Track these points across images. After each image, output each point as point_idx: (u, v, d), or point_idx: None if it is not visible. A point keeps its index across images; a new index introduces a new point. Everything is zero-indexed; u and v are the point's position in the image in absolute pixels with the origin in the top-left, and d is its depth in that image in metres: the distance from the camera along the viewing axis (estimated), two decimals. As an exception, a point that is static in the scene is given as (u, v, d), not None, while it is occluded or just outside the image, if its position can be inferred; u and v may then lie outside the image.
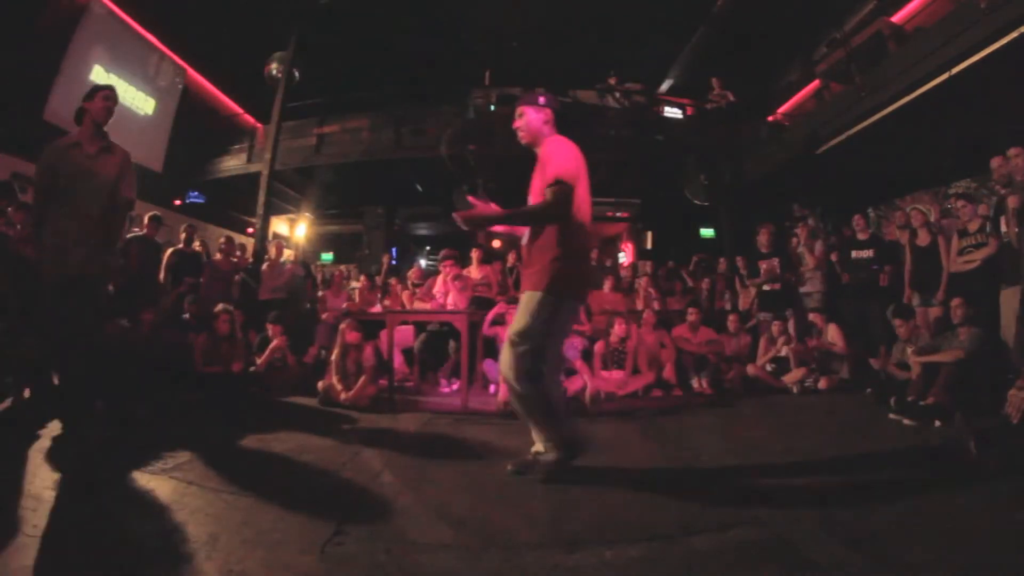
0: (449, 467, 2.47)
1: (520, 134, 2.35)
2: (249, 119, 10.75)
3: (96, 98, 2.79)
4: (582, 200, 2.24)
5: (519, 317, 2.17)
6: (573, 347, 4.24)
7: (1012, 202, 3.77)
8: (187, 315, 5.07)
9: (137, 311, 4.34)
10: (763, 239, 5.66)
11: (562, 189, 2.14)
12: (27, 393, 3.34)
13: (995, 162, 4.25)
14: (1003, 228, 3.92)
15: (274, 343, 4.56)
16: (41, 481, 2.08)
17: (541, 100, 2.34)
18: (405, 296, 5.84)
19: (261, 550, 1.54)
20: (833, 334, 4.80)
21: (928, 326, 4.40)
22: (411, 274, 6.81)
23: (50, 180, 2.69)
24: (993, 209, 4.28)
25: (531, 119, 2.31)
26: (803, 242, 5.63)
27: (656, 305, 5.77)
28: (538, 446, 2.35)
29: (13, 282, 3.47)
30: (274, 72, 7.20)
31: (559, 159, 2.18)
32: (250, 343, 4.75)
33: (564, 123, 2.36)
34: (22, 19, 6.86)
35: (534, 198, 2.28)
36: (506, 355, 2.17)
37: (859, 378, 4.56)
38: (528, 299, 2.16)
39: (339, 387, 3.97)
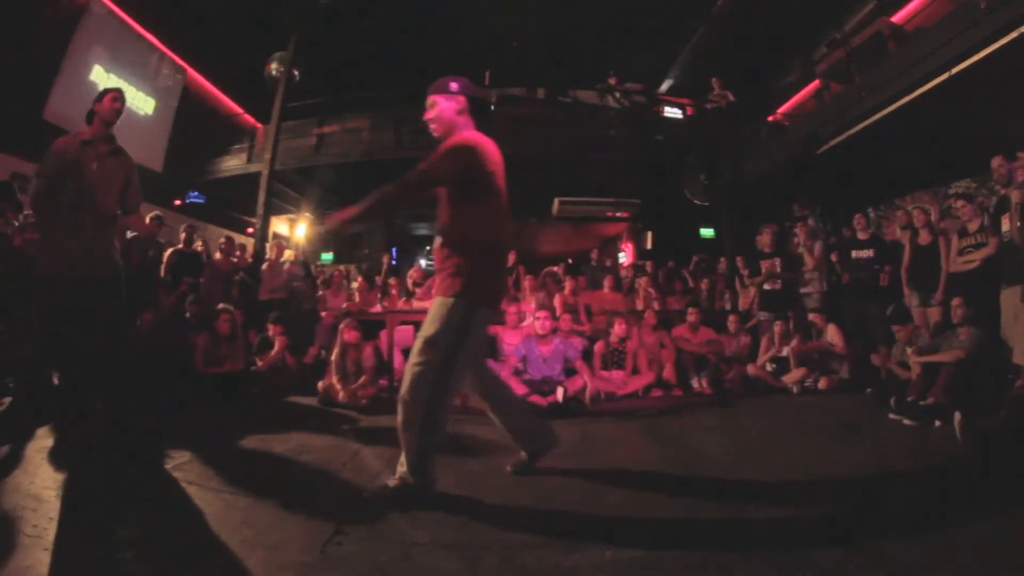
0: (449, 467, 2.46)
1: (432, 127, 2.10)
2: (249, 119, 10.75)
3: (105, 99, 2.84)
4: (494, 195, 2.02)
5: (427, 324, 1.95)
6: (573, 347, 4.24)
7: (1016, 196, 3.75)
8: (187, 315, 5.06)
9: (137, 311, 4.34)
10: (765, 239, 5.65)
11: (447, 154, 1.94)
12: (27, 392, 3.34)
13: (995, 162, 4.25)
14: (1005, 227, 3.92)
15: (278, 346, 4.57)
16: (41, 481, 2.08)
17: (453, 86, 2.09)
18: (400, 303, 5.79)
19: (261, 550, 1.54)
20: (832, 334, 4.80)
21: (928, 326, 4.40)
22: (412, 274, 6.79)
23: (55, 173, 2.68)
24: (994, 207, 4.28)
25: (443, 109, 2.07)
26: (803, 242, 5.63)
27: (656, 305, 5.77)
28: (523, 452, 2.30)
29: (13, 282, 3.47)
30: (274, 72, 7.21)
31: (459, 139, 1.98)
32: (250, 343, 4.75)
33: (484, 114, 2.15)
34: (22, 19, 6.86)
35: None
36: (410, 360, 1.94)
37: (859, 378, 4.56)
38: (439, 305, 1.96)
39: (339, 387, 3.98)
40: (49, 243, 2.70)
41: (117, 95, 2.88)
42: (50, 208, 2.69)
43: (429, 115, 2.11)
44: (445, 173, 1.98)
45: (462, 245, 1.99)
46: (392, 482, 1.96)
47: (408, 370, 1.93)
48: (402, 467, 1.95)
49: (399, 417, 1.94)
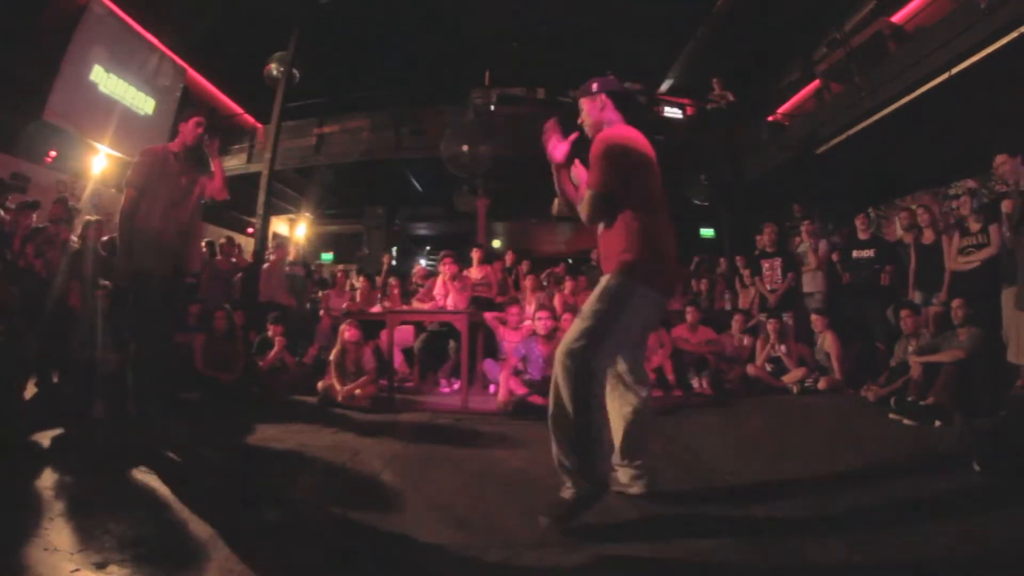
0: (449, 467, 2.47)
1: (586, 130, 2.16)
2: (249, 119, 10.77)
3: (190, 122, 3.09)
4: (646, 187, 2.03)
5: (587, 304, 1.94)
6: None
7: (1006, 207, 3.75)
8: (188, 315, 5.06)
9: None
10: (766, 239, 5.65)
11: (601, 161, 1.96)
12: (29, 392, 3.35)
13: (998, 160, 4.25)
14: (1003, 227, 3.92)
15: (277, 346, 4.57)
16: (41, 481, 2.08)
17: (593, 87, 2.16)
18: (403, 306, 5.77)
19: (261, 550, 1.54)
20: (830, 344, 4.75)
21: (929, 324, 4.39)
22: (416, 273, 6.79)
23: (145, 180, 2.88)
24: (989, 207, 4.30)
25: (588, 111, 2.15)
26: (806, 240, 5.62)
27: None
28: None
29: (15, 283, 3.48)
30: (274, 72, 7.20)
31: None
32: (250, 343, 4.75)
33: (629, 104, 2.19)
34: (22, 19, 6.86)
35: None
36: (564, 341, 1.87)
37: (856, 381, 4.54)
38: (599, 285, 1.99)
39: (339, 387, 3.97)
40: (128, 249, 2.84)
41: (201, 120, 3.10)
42: (131, 218, 2.85)
43: (581, 119, 2.17)
44: (610, 183, 1.93)
45: (626, 235, 1.90)
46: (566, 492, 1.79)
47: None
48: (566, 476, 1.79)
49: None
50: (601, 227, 2.04)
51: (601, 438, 1.84)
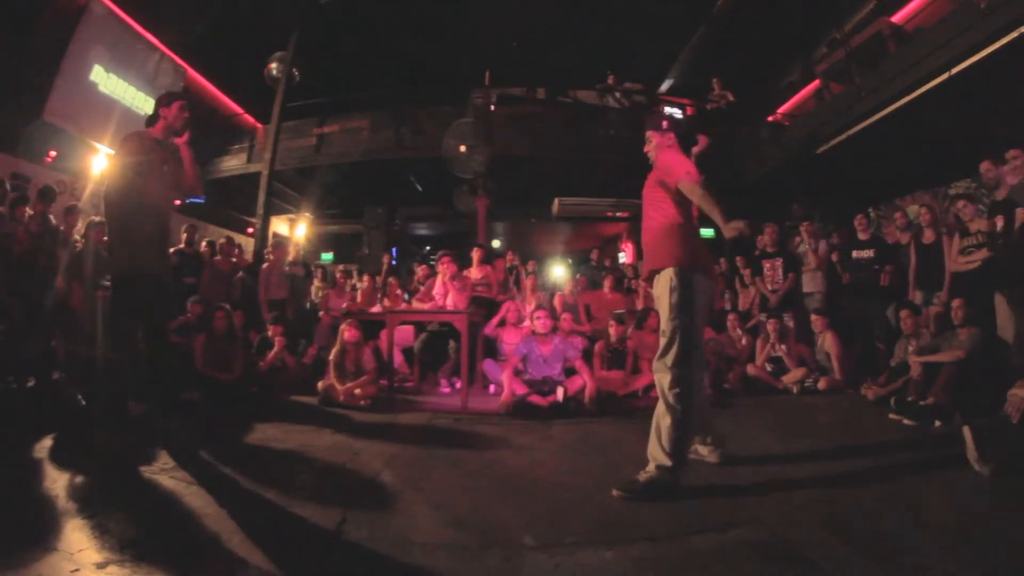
0: (449, 467, 2.47)
1: (650, 156, 2.63)
2: (249, 119, 10.76)
3: (173, 106, 2.81)
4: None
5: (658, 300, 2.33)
6: (573, 347, 4.24)
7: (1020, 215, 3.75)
8: (188, 315, 5.06)
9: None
10: (767, 239, 5.65)
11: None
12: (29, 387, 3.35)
13: (984, 166, 4.26)
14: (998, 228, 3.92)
15: (277, 346, 4.57)
16: (41, 481, 2.08)
17: (664, 124, 2.55)
18: (403, 305, 5.76)
19: (262, 550, 1.54)
20: (830, 344, 4.76)
21: (929, 324, 4.39)
22: (420, 272, 6.79)
23: (136, 171, 2.66)
24: (987, 211, 4.29)
25: (658, 143, 2.56)
26: (806, 240, 5.62)
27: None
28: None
29: (15, 286, 3.49)
30: (274, 72, 7.20)
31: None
32: (250, 342, 4.75)
33: (689, 138, 2.64)
34: (22, 19, 6.87)
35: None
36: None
37: (856, 381, 4.54)
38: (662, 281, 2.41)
39: (339, 387, 3.97)
40: (126, 243, 2.66)
41: (185, 104, 2.83)
42: (127, 209, 2.67)
43: (647, 148, 2.61)
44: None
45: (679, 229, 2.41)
46: (642, 475, 2.12)
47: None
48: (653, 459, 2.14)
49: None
50: (649, 219, 2.55)
51: (691, 435, 2.22)
